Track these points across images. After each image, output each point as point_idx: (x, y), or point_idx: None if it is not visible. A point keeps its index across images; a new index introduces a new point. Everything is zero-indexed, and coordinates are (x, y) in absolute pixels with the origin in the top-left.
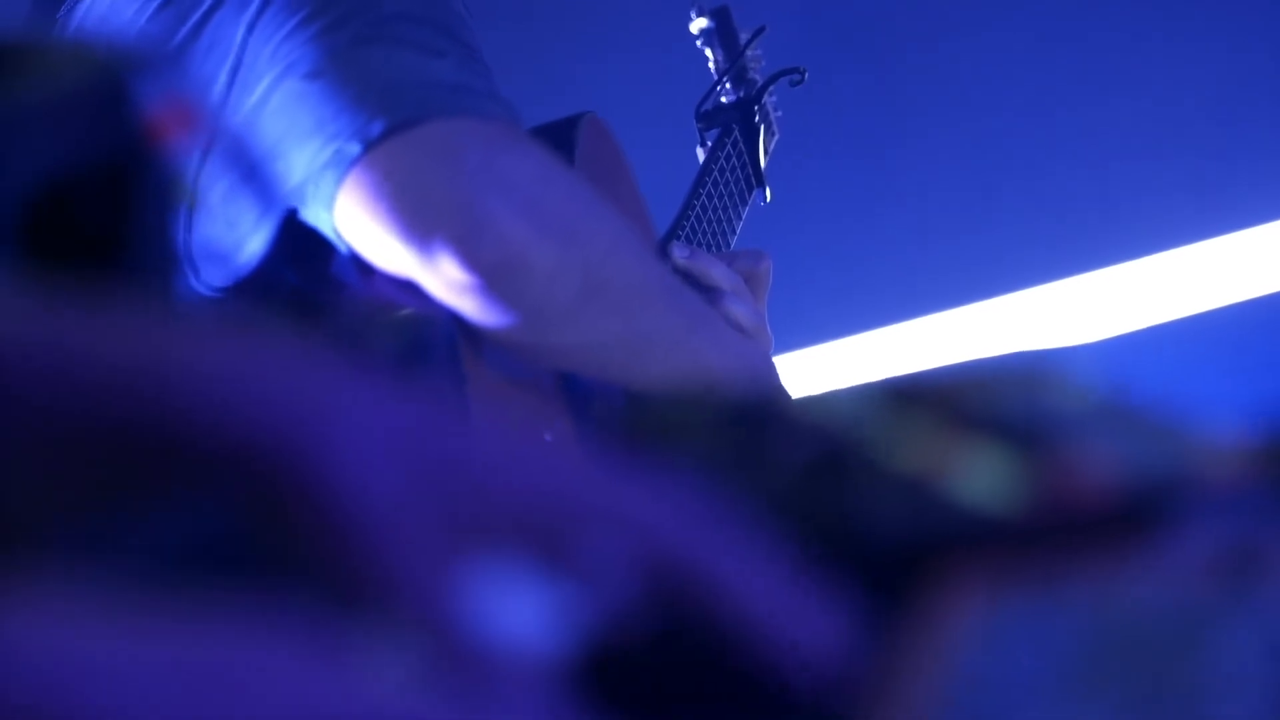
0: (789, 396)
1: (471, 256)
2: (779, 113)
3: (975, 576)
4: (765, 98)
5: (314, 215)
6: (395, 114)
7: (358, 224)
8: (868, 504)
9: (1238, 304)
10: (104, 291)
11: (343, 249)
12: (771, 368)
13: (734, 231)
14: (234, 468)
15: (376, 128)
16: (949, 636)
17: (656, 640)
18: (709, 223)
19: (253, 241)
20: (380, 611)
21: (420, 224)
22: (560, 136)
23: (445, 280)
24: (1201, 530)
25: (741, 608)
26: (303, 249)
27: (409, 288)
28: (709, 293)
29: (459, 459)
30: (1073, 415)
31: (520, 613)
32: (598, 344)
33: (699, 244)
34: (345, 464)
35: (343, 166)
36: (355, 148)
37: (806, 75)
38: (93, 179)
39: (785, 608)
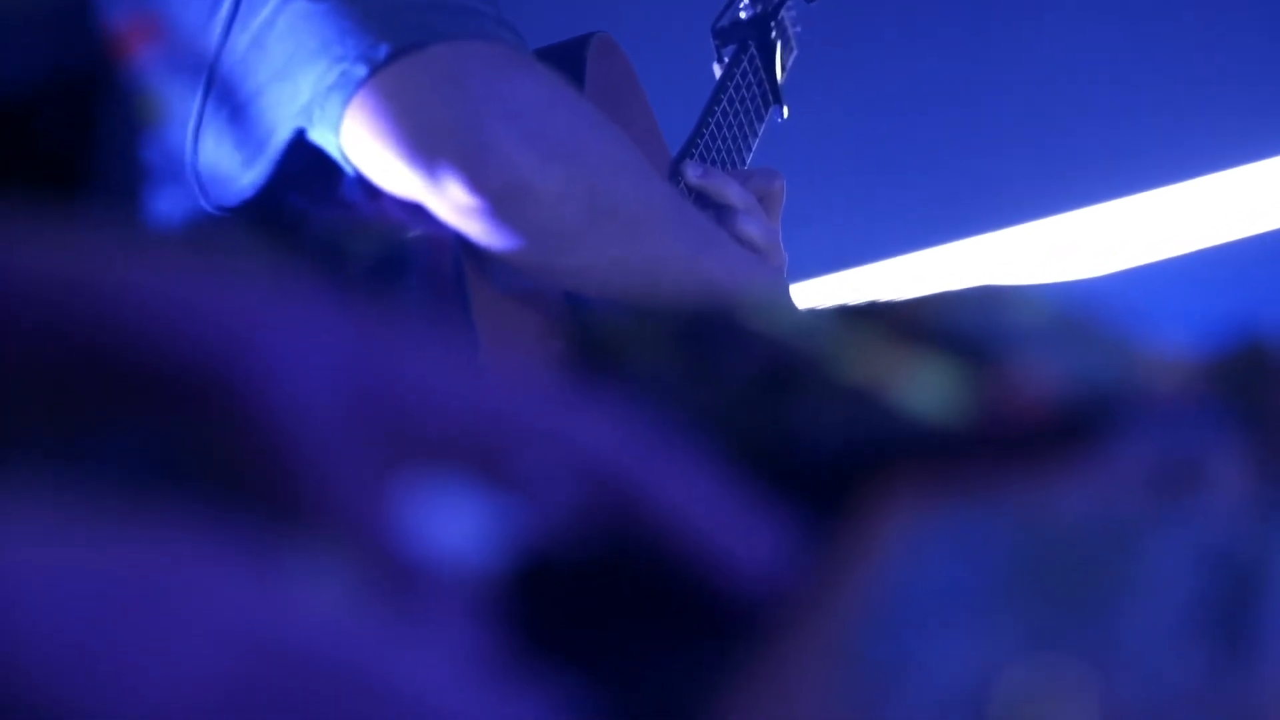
0: (796, 314)
1: (477, 179)
2: (798, 28)
3: (910, 488)
4: (783, 13)
5: (320, 137)
6: (400, 37)
7: (363, 146)
8: (808, 415)
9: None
10: (57, 209)
11: (349, 171)
12: (784, 286)
13: (750, 149)
14: (171, 387)
15: (382, 50)
16: (879, 546)
17: (594, 555)
18: (724, 140)
19: (259, 162)
20: (315, 530)
21: (425, 147)
22: (569, 57)
23: (451, 203)
24: (1138, 443)
25: (679, 523)
26: (309, 171)
27: (415, 209)
28: (722, 211)
29: (396, 379)
30: (1017, 331)
31: (456, 529)
32: (605, 265)
33: (713, 162)
34: (280, 383)
35: (348, 89)
36: (361, 70)
37: None
38: (52, 93)
39: (722, 523)
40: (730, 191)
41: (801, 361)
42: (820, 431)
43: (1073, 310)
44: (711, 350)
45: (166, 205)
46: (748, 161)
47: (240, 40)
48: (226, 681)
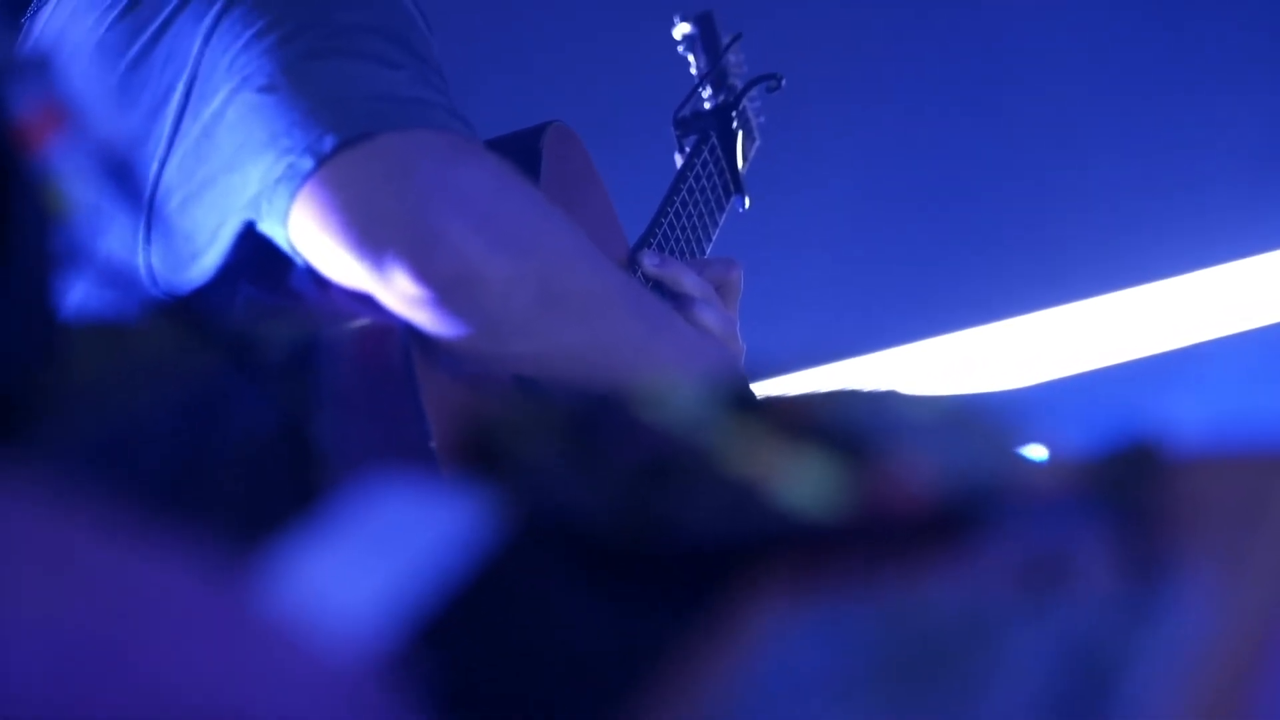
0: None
1: (424, 270)
2: (761, 119)
3: (782, 578)
4: (746, 104)
5: (269, 228)
6: (347, 128)
7: (311, 238)
8: (687, 504)
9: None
10: None
11: (299, 262)
12: (739, 374)
13: (709, 239)
14: None
15: (328, 142)
16: (746, 634)
17: None
18: (683, 229)
19: (210, 253)
20: None
21: (372, 238)
22: (525, 146)
23: (399, 294)
24: (1007, 537)
25: None
26: (260, 261)
27: (364, 299)
28: (679, 300)
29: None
30: (897, 428)
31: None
32: (556, 353)
33: (672, 251)
34: None
35: (295, 181)
36: (308, 162)
37: (783, 82)
38: None
39: None
40: (687, 280)
41: (686, 452)
42: (696, 521)
43: (957, 411)
44: (598, 439)
45: (77, 296)
46: (707, 251)
47: (191, 130)
48: None
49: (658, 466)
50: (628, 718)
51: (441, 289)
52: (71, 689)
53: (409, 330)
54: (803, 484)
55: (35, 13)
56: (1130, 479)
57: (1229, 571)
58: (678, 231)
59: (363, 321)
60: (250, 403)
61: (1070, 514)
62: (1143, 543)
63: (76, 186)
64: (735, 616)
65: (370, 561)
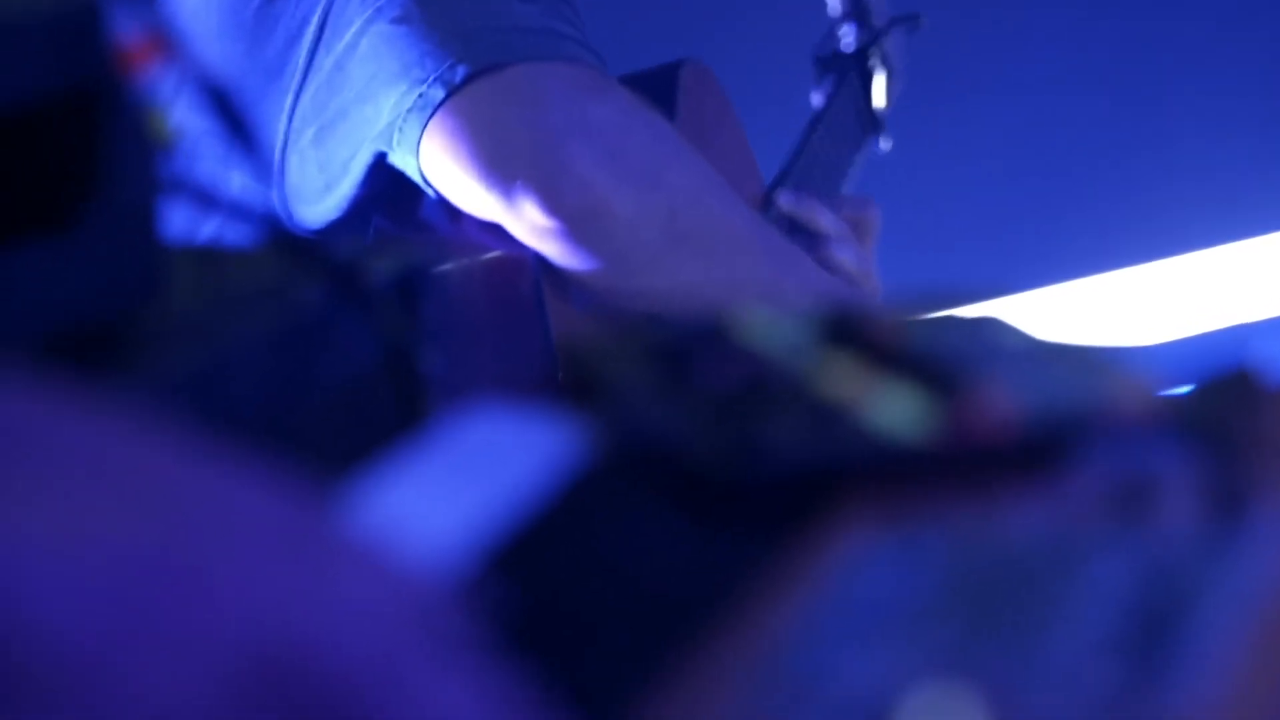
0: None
1: (552, 201)
2: (904, 58)
3: (868, 505)
4: (887, 43)
5: (400, 159)
6: (478, 58)
7: (441, 168)
8: (772, 430)
9: None
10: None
11: (430, 193)
12: (854, 308)
13: (847, 179)
14: None
15: (460, 72)
16: (823, 559)
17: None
18: (819, 169)
19: (342, 186)
20: None
21: (502, 168)
22: (661, 83)
23: (528, 224)
24: (1095, 465)
25: None
26: (391, 193)
27: (495, 230)
28: (814, 239)
29: None
30: (986, 354)
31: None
32: (684, 289)
33: (808, 190)
34: None
35: (426, 111)
36: (439, 92)
37: (923, 22)
38: (57, 109)
39: None
40: (822, 219)
41: (778, 378)
42: (785, 446)
43: (1051, 342)
44: (691, 365)
45: (182, 225)
46: (846, 191)
47: (324, 63)
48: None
49: (749, 392)
50: (708, 642)
51: (570, 220)
52: (151, 605)
53: (539, 261)
54: (892, 410)
55: None
56: (1222, 410)
57: None
58: (814, 171)
59: (493, 252)
60: (357, 332)
61: (1158, 443)
62: (1230, 475)
63: (189, 116)
64: (819, 543)
65: (461, 486)
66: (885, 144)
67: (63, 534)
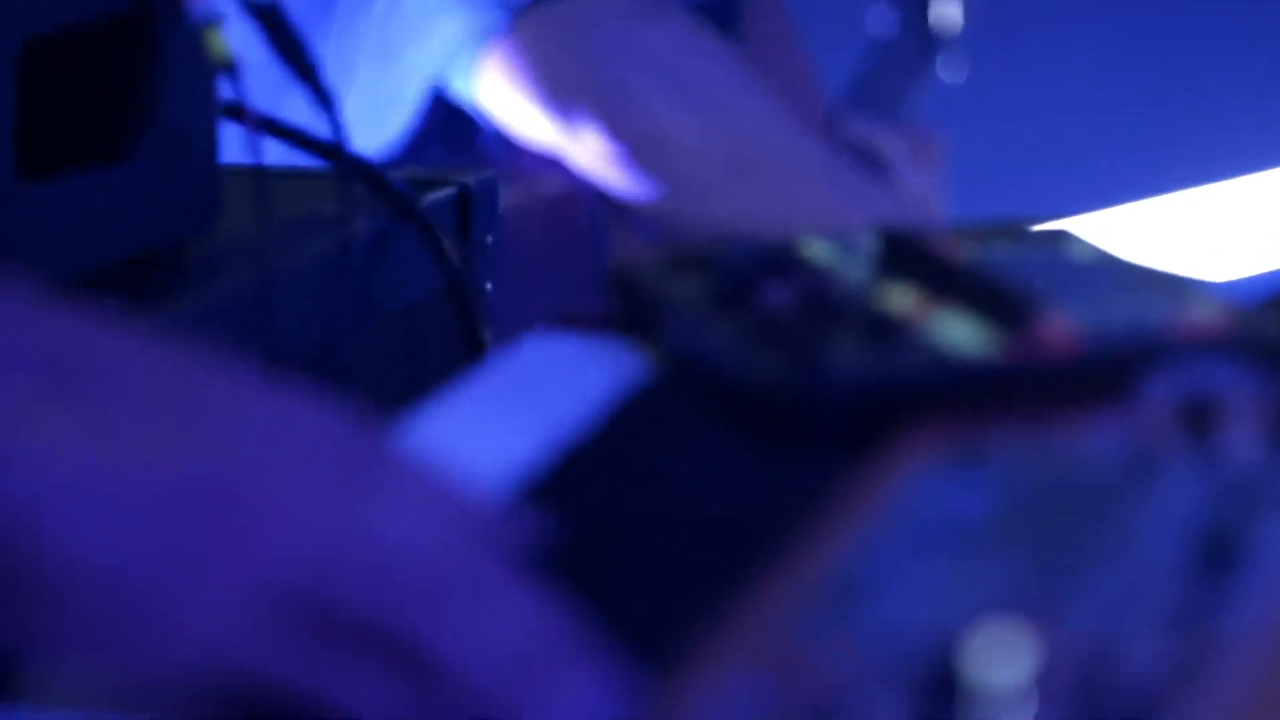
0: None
1: (614, 129)
2: None
3: (931, 424)
4: None
5: (458, 90)
6: None
7: (500, 97)
8: (839, 348)
9: None
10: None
11: (487, 123)
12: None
13: (913, 104)
14: None
15: (518, 1)
16: (890, 479)
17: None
18: (883, 94)
19: (400, 117)
20: None
21: (562, 97)
22: (724, 9)
23: (588, 153)
24: (1162, 386)
25: None
26: (448, 123)
27: (552, 160)
28: (878, 165)
29: None
30: (1056, 270)
31: None
32: (744, 218)
33: (874, 114)
34: None
35: (486, 39)
36: (498, 20)
37: None
38: (113, 33)
39: None
40: (887, 144)
41: (837, 298)
42: (844, 366)
43: (1123, 260)
44: (749, 287)
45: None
46: (912, 117)
47: None
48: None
49: (811, 314)
50: (769, 562)
51: (630, 149)
52: (200, 530)
53: (600, 193)
54: (958, 330)
55: None
56: None
57: None
58: (877, 96)
59: (550, 180)
60: (415, 259)
61: (1225, 365)
62: None
63: (245, 41)
64: (882, 463)
65: (517, 410)
66: (952, 71)
67: (112, 456)
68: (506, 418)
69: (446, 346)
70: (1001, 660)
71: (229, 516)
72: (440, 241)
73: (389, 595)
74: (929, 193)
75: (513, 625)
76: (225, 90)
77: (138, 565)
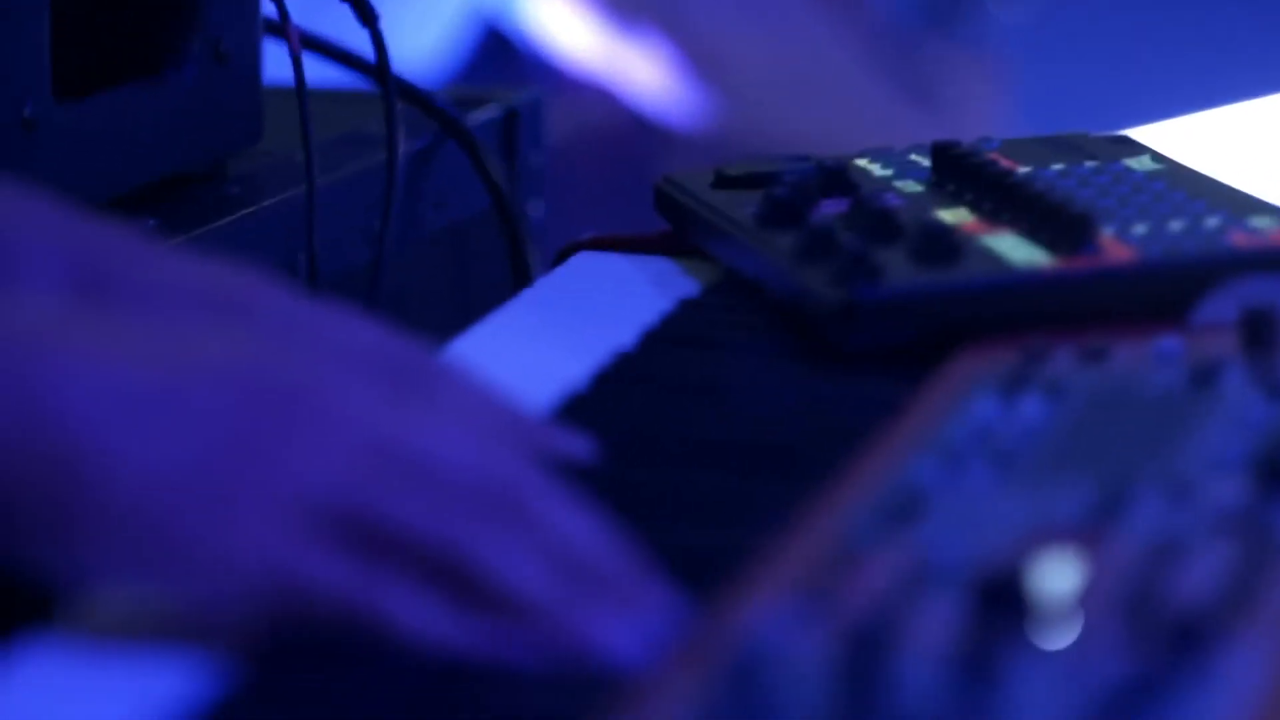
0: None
1: (673, 42)
2: None
3: (988, 336)
4: None
5: (512, 7)
6: None
7: (557, 13)
8: (892, 260)
9: None
10: None
11: (538, 40)
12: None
13: (971, 16)
14: None
15: None
16: (946, 392)
17: None
18: (943, 11)
19: (447, 33)
20: None
21: (623, 10)
22: None
23: (645, 68)
24: (1223, 297)
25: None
26: (497, 41)
27: (603, 87)
28: (935, 82)
29: None
30: (1117, 180)
31: None
32: (800, 135)
33: (930, 32)
34: None
35: None
36: None
37: None
38: None
39: None
40: (944, 60)
41: (890, 210)
42: (897, 277)
43: (1186, 171)
44: (803, 200)
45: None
46: (967, 30)
47: None
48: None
49: (864, 226)
50: (823, 474)
51: (689, 62)
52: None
53: (650, 117)
54: (1018, 242)
55: None
56: None
57: None
58: (938, 11)
59: (598, 95)
60: (461, 177)
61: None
62: None
63: None
64: (937, 376)
65: (566, 326)
66: None
67: (150, 360)
68: (554, 335)
69: (492, 268)
70: (1056, 573)
71: (279, 417)
72: (485, 160)
73: (436, 505)
74: (985, 108)
75: (560, 541)
76: (268, 7)
77: (180, 468)
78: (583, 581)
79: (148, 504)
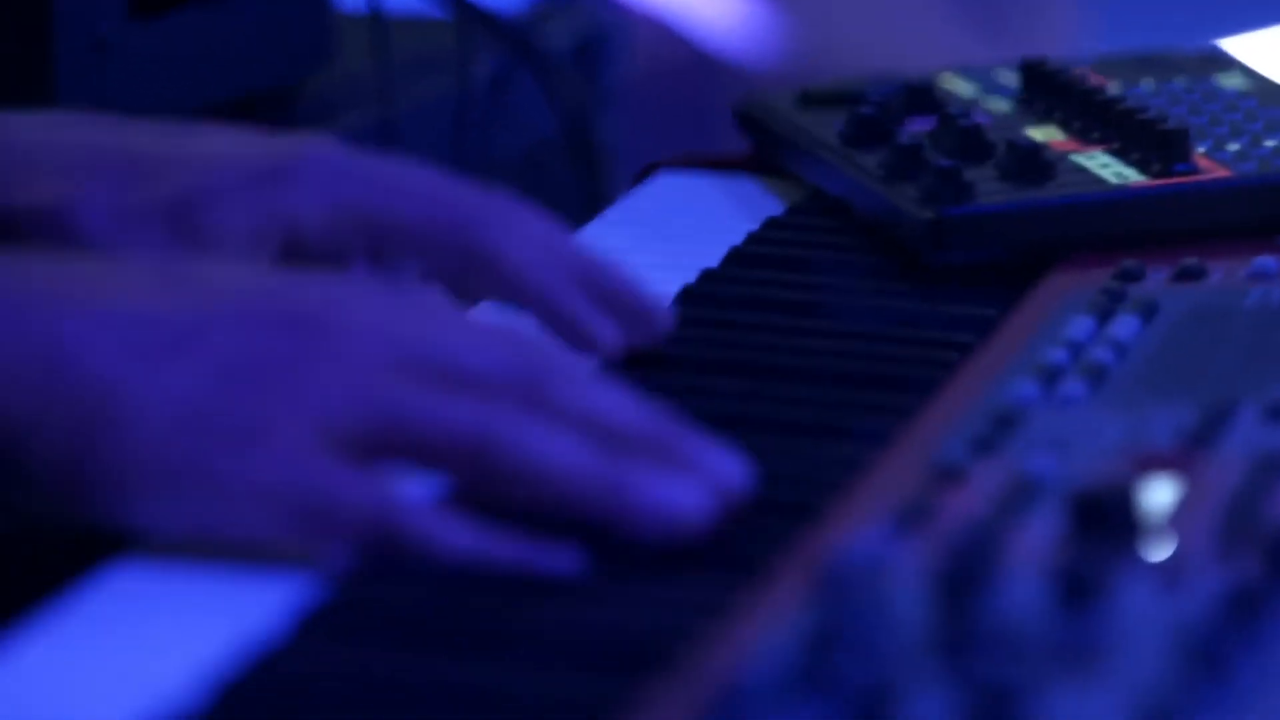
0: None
1: None
2: None
3: (1078, 255)
4: None
5: None
6: None
7: None
8: (981, 178)
9: None
10: None
11: None
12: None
13: None
14: None
15: None
16: (1036, 309)
17: None
18: None
19: None
20: None
21: None
22: None
23: None
24: None
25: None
26: None
27: (676, 19)
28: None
29: None
30: (1207, 97)
31: None
32: (881, 53)
33: None
34: None
35: None
36: None
37: None
38: None
39: None
40: None
41: (977, 129)
42: (986, 195)
43: (1272, 80)
44: (887, 119)
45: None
46: None
47: None
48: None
49: (951, 145)
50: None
51: None
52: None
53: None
54: (1109, 161)
55: None
56: None
57: None
58: None
59: (673, 14)
60: (534, 99)
61: None
62: None
63: None
64: (1027, 295)
65: (647, 244)
66: None
67: (171, 301)
68: (638, 254)
69: (567, 194)
70: (1155, 490)
71: (298, 339)
72: (559, 83)
73: (464, 400)
74: (1064, 17)
75: (598, 414)
76: None
77: (206, 401)
78: (629, 449)
79: (176, 439)
